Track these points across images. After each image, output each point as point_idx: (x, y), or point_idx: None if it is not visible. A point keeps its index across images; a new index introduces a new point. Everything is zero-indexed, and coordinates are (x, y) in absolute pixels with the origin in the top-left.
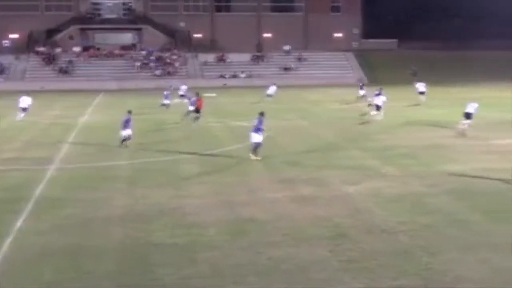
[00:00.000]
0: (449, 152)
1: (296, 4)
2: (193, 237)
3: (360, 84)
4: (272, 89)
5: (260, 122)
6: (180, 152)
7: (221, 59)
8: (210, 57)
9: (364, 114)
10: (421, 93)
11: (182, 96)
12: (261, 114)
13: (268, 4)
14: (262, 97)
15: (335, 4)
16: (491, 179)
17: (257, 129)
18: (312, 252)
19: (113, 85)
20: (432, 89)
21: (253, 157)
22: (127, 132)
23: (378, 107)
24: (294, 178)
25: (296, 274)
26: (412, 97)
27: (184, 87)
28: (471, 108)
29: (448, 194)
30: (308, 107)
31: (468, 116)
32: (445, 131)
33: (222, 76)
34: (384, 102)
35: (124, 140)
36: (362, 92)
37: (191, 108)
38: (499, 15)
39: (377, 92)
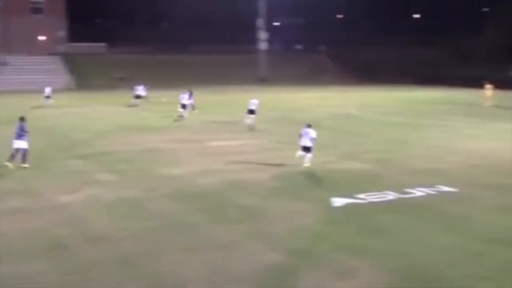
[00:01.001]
0: (167, 155)
1: None
2: None
3: (147, 86)
4: (47, 90)
5: (22, 127)
6: None
7: None
8: None
9: (181, 115)
10: (138, 97)
11: None
12: (22, 119)
13: None
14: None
15: (37, 6)
16: (208, 180)
17: (20, 135)
18: (27, 267)
19: None
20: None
21: (10, 165)
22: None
23: (184, 106)
24: (2, 190)
25: None
26: (125, 101)
27: None
28: (252, 105)
29: (168, 197)
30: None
31: (251, 112)
32: (162, 135)
33: None
34: (191, 103)
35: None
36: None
37: None
38: (211, 20)
39: (185, 93)
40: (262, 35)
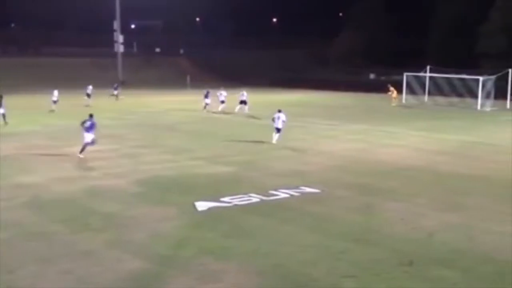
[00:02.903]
0: (21, 163)
1: None
2: None
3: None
4: (55, 94)
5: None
6: None
7: None
8: None
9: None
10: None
11: None
12: (91, 115)
13: None
14: None
15: None
16: (66, 188)
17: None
18: None
19: None
20: None
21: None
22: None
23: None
24: None
25: None
26: None
27: None
28: (242, 96)
29: (23, 206)
30: None
31: (243, 102)
32: (15, 142)
33: None
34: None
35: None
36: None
37: None
38: (66, 22)
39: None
40: (119, 37)
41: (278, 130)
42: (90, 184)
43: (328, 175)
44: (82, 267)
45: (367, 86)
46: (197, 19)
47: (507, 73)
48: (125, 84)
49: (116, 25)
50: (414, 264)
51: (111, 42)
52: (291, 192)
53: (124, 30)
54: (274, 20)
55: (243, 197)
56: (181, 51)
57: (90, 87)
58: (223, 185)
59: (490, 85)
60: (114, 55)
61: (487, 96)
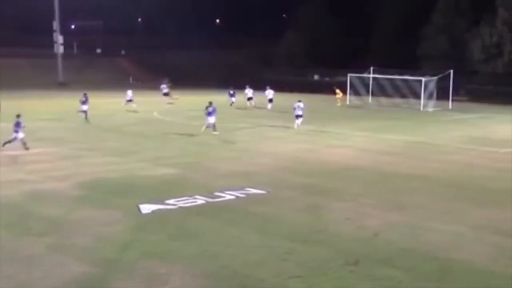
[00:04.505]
0: None
1: None
2: None
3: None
4: (129, 94)
5: (214, 109)
6: None
7: None
8: None
9: None
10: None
11: None
12: (211, 102)
13: None
14: None
15: None
16: (6, 192)
17: (210, 114)
18: None
19: None
20: None
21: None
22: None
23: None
24: None
25: None
26: None
27: None
28: (270, 94)
29: None
30: None
31: (270, 100)
32: None
33: None
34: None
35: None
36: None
37: None
38: (2, 22)
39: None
40: (59, 38)
41: (300, 116)
42: (31, 188)
43: (274, 176)
44: (24, 272)
45: (312, 86)
46: (139, 19)
47: (449, 74)
48: (66, 86)
49: (56, 25)
50: (360, 264)
51: (51, 43)
52: (237, 193)
53: (64, 30)
54: (218, 21)
55: (188, 199)
56: (123, 51)
57: (164, 85)
58: (168, 187)
59: (432, 86)
60: (54, 56)
61: (429, 96)
